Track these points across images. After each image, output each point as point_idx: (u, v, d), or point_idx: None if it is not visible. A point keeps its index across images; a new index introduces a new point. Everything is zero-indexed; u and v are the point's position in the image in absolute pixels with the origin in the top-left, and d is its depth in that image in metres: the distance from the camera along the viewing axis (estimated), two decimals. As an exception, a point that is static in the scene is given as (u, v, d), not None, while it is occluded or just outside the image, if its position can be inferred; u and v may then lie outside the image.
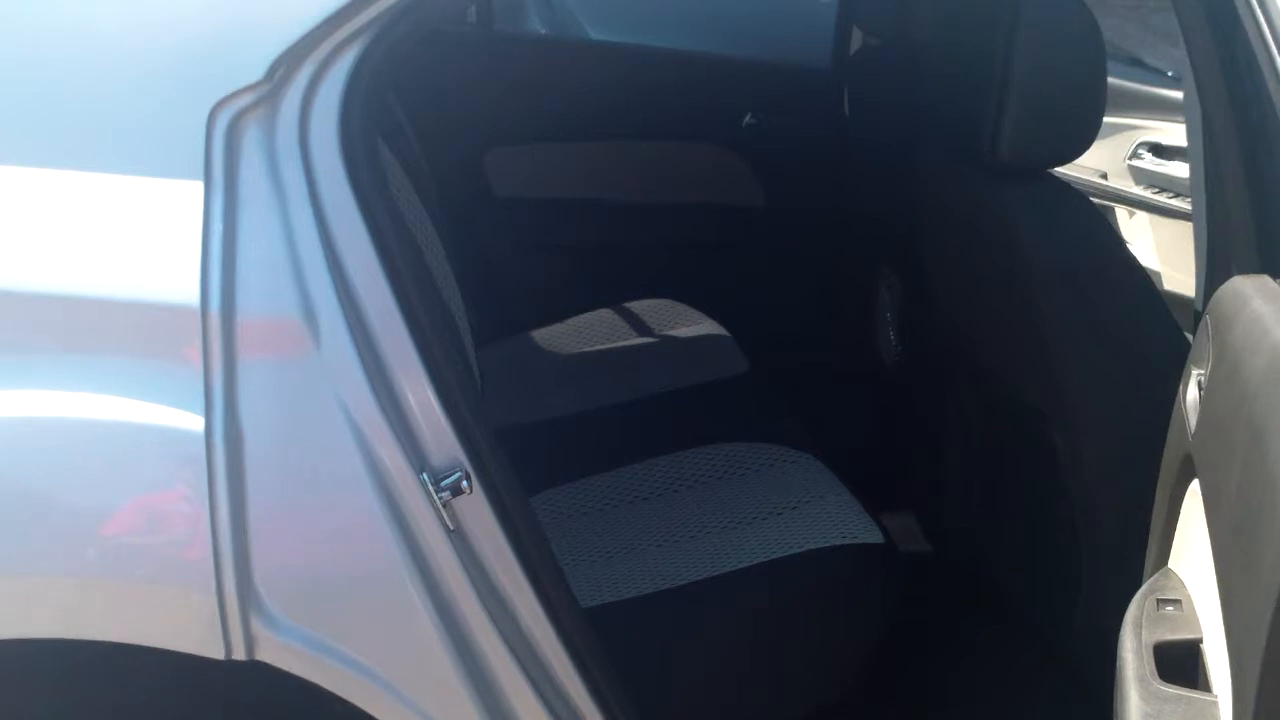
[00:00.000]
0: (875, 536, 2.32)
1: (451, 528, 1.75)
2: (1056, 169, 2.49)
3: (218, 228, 1.66)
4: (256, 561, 1.68)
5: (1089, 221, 2.24)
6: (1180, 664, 1.51)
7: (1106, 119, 2.25)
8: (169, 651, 1.70)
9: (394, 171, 2.32)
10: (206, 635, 1.68)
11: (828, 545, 2.28)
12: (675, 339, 3.22)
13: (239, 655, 1.69)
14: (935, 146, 2.54)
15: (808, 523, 2.36)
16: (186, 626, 1.69)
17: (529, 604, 1.83)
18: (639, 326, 3.28)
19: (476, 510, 1.78)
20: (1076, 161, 2.31)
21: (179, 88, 1.67)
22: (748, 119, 3.45)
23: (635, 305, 3.34)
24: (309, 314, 1.67)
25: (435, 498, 1.73)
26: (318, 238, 1.69)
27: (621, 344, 3.23)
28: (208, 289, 1.64)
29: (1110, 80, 2.23)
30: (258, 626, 1.69)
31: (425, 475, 1.72)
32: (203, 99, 1.66)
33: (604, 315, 3.32)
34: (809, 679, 2.30)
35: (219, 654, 1.69)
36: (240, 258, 1.66)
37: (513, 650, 1.81)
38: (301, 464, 1.70)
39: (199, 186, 1.66)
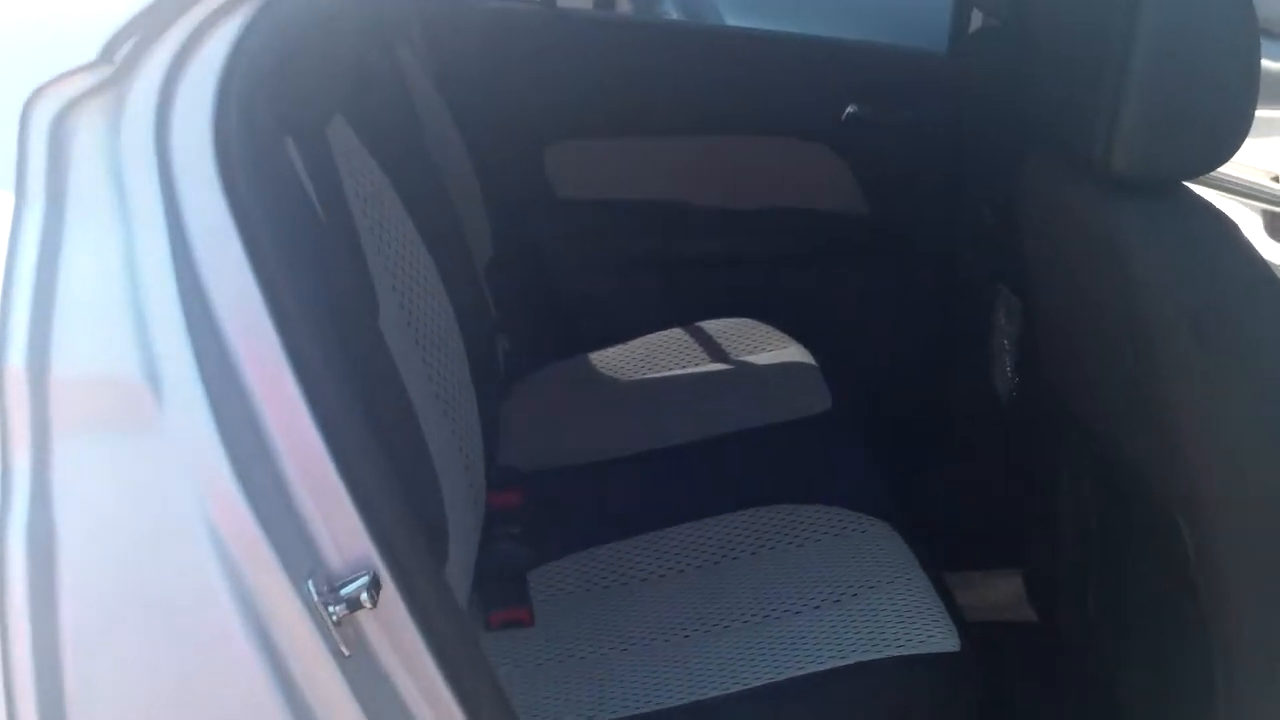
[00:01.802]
0: (950, 642, 1.85)
1: (347, 654, 1.32)
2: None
3: (29, 256, 1.25)
4: (72, 702, 1.28)
5: (1229, 251, 1.72)
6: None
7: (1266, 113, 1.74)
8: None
9: (356, 166, 1.90)
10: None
11: (888, 656, 1.81)
12: (753, 366, 2.77)
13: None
14: (1046, 149, 2.04)
15: (869, 619, 1.90)
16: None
17: None
18: (713, 350, 2.84)
19: (387, 624, 1.35)
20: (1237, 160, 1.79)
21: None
22: (849, 110, 2.96)
23: (711, 325, 2.91)
24: (153, 371, 1.26)
25: (324, 615, 1.30)
26: (173, 271, 1.27)
27: (691, 370, 2.80)
28: (8, 337, 1.24)
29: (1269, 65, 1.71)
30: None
31: (311, 585, 1.29)
32: (16, 85, 1.25)
33: (675, 336, 2.90)
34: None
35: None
36: (60, 294, 1.26)
37: None
38: (137, 573, 1.29)
39: (8, 200, 1.25)
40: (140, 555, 1.28)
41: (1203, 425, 1.69)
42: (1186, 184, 1.81)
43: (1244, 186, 3.13)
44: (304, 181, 1.63)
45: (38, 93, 1.26)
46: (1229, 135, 1.67)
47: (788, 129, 3.03)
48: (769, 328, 2.87)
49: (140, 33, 1.26)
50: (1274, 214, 3.27)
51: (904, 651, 1.83)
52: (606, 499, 2.38)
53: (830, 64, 3.08)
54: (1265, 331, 1.68)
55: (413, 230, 2.06)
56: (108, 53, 1.25)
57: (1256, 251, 1.72)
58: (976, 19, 2.88)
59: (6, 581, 1.24)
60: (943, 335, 2.97)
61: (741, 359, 2.81)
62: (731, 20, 5.47)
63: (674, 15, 6.07)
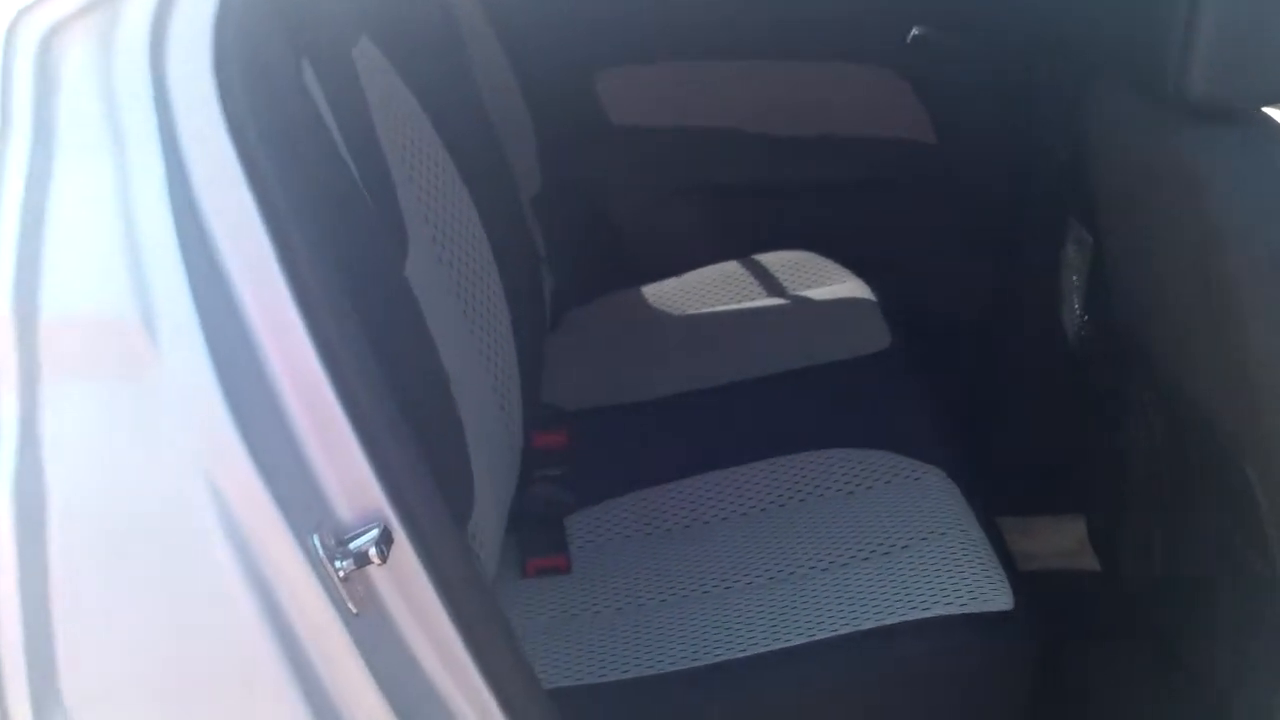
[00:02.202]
0: (1004, 600, 1.76)
1: (355, 611, 1.24)
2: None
3: (15, 190, 1.19)
4: (62, 662, 1.21)
5: None
6: None
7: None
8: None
9: (385, 91, 1.81)
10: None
11: (936, 615, 1.71)
12: (809, 301, 2.67)
13: (35, 783, 1.22)
14: (1118, 75, 1.91)
15: (919, 572, 1.81)
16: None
17: (478, 705, 1.32)
18: (770, 284, 2.74)
19: (399, 582, 1.28)
20: None
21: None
22: (914, 31, 2.82)
23: (768, 258, 2.81)
24: (149, 313, 1.18)
25: (331, 570, 1.22)
26: (168, 204, 1.20)
27: (747, 305, 2.70)
28: None
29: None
30: (66, 744, 1.22)
31: (317, 538, 1.22)
32: (-4, 4, 1.17)
33: (731, 269, 2.80)
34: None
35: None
36: (49, 231, 1.19)
37: None
38: (131, 525, 1.21)
39: (-10, 129, 1.18)
40: (135, 508, 1.21)
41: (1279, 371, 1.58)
42: (1269, 111, 1.68)
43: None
44: (322, 109, 1.54)
45: (22, 13, 1.18)
46: None
47: (850, 52, 2.90)
48: (827, 260, 2.76)
49: (133, -51, 1.18)
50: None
51: (953, 610, 1.74)
52: (652, 441, 2.29)
53: None
54: None
55: (449, 162, 1.97)
56: (98, -31, 1.17)
57: None
58: (1049, -64, 2.72)
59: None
60: (1010, 270, 2.84)
61: (798, 293, 2.71)
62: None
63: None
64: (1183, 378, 1.88)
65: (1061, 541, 2.72)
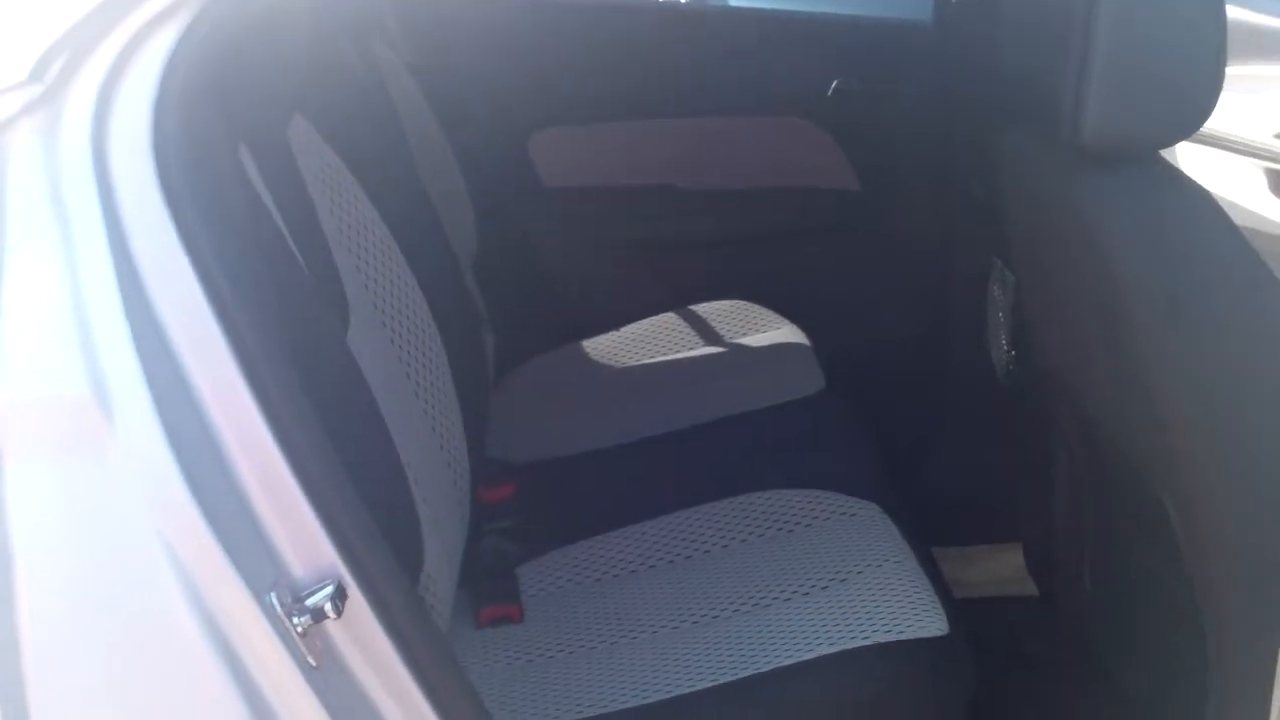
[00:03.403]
0: (938, 626, 1.83)
1: (315, 664, 1.30)
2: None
3: (-32, 279, 1.23)
4: (35, 721, 1.26)
5: (1205, 226, 1.67)
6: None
7: (1252, 71, 1.69)
8: None
9: (320, 167, 1.87)
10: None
11: (870, 643, 1.78)
12: (745, 348, 2.74)
13: None
14: (1023, 120, 2.00)
15: (856, 605, 1.88)
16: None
17: None
18: (707, 334, 2.81)
19: (355, 632, 1.34)
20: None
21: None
22: (835, 84, 2.91)
23: (704, 308, 2.88)
24: (101, 391, 1.24)
25: (289, 626, 1.28)
26: (116, 285, 1.26)
27: (685, 355, 2.77)
28: None
29: (1251, 19, 1.67)
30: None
31: (274, 596, 1.28)
32: (-57, 107, 1.23)
33: (668, 320, 2.87)
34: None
35: None
36: (2, 317, 1.24)
37: None
38: (93, 599, 1.27)
39: (-56, 224, 1.23)
40: (97, 576, 1.26)
41: (1183, 406, 1.65)
42: (1163, 155, 1.76)
43: (1246, 145, 3.07)
44: (260, 189, 1.61)
45: (-32, 115, 1.24)
46: (1197, 103, 1.62)
47: (774, 106, 2.98)
48: (762, 308, 2.84)
49: (70, 49, 1.25)
50: (1277, 172, 3.21)
51: (890, 637, 1.80)
52: (597, 490, 2.36)
53: (814, 38, 3.03)
54: (1242, 309, 1.64)
55: (386, 231, 2.04)
56: (38, 72, 1.23)
57: (1232, 224, 1.67)
58: (959, -13, 2.82)
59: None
60: (938, 309, 2.93)
61: (734, 341, 2.78)
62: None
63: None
64: (1097, 411, 1.96)
65: (1000, 569, 2.80)
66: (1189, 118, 1.62)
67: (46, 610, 1.26)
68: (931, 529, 2.19)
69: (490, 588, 2.08)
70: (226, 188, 1.47)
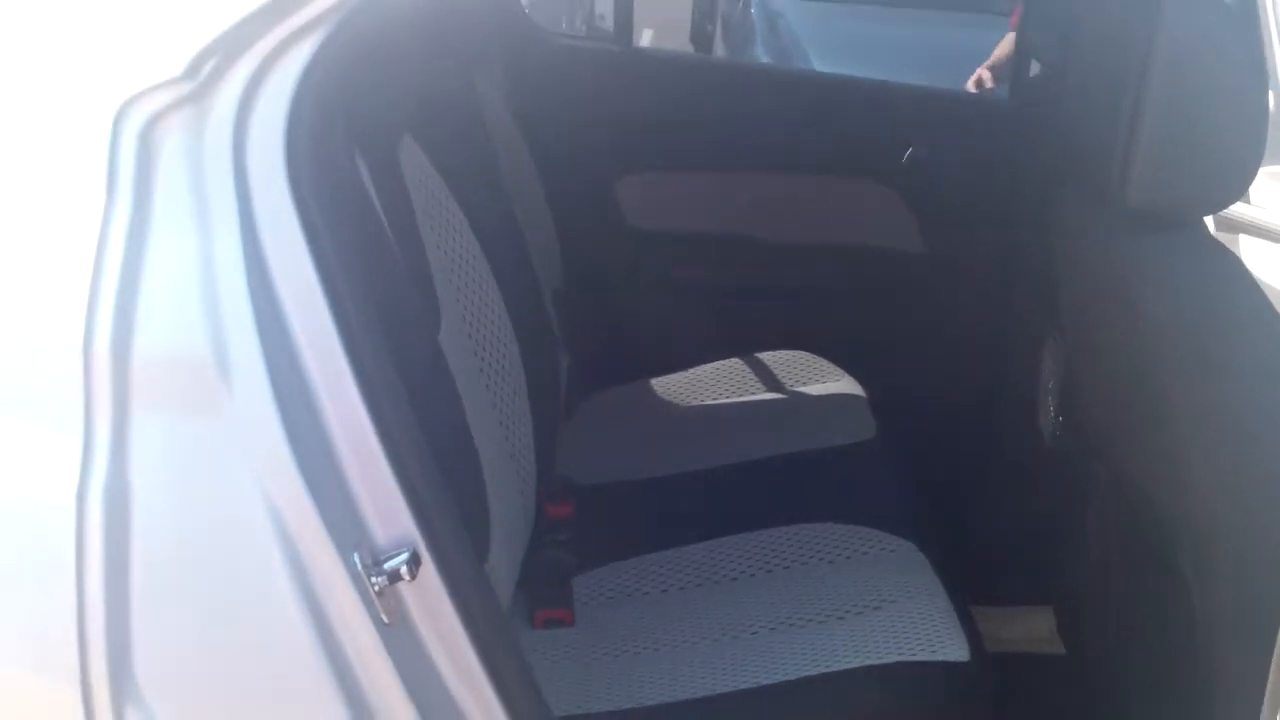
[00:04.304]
0: (960, 652, 1.94)
1: (387, 621, 1.44)
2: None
3: (116, 249, 1.40)
4: (138, 650, 1.41)
5: (1238, 291, 1.80)
6: None
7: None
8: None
9: (425, 184, 2.04)
10: (69, 730, 1.41)
11: (895, 660, 1.91)
12: (804, 396, 2.88)
13: (111, 756, 1.42)
14: (1077, 187, 2.14)
15: (885, 628, 2.00)
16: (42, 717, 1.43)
17: (489, 715, 1.52)
18: (768, 380, 2.95)
19: (425, 599, 1.48)
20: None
21: (79, 82, 1.42)
22: (910, 151, 3.06)
23: (768, 356, 3.01)
24: (222, 355, 1.40)
25: (367, 584, 1.42)
26: (244, 267, 1.41)
27: (746, 399, 2.91)
28: (95, 322, 1.38)
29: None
30: (136, 722, 1.42)
31: (357, 556, 1.42)
32: (108, 97, 1.40)
33: (733, 365, 3.00)
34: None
35: (85, 753, 1.42)
36: (144, 285, 1.41)
37: None
38: (199, 535, 1.43)
39: (99, 200, 1.40)
40: (204, 521, 1.41)
41: (1207, 460, 1.77)
42: (1204, 224, 1.89)
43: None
44: (371, 194, 1.77)
45: (127, 104, 1.40)
46: (1239, 171, 1.75)
47: (850, 168, 3.14)
48: (822, 360, 2.96)
49: (222, 52, 1.40)
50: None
51: (912, 657, 1.92)
52: (654, 512, 2.49)
53: (894, 107, 3.19)
54: (1270, 372, 1.75)
55: (478, 250, 2.19)
56: (192, 70, 1.39)
57: (1264, 294, 1.80)
58: (1035, 66, 2.97)
59: (85, 540, 1.37)
60: (992, 372, 3.05)
61: (794, 389, 2.91)
62: (820, 67, 5.63)
63: (764, 59, 6.24)
64: (1129, 467, 2.07)
65: (1033, 629, 2.89)
66: (1232, 185, 1.76)
67: (156, 545, 1.41)
68: (971, 584, 2.30)
69: (546, 592, 2.22)
70: (344, 189, 1.63)
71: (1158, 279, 1.82)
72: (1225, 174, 1.76)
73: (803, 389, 2.91)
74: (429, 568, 1.47)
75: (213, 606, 1.43)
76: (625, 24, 3.14)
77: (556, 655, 2.09)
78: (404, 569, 1.44)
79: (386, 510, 1.45)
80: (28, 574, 1.41)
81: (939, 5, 6.34)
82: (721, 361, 3.02)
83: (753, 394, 2.92)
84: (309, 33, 1.44)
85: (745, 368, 3.00)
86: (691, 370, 3.02)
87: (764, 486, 2.53)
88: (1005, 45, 4.21)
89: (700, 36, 4.29)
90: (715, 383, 2.97)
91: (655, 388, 2.99)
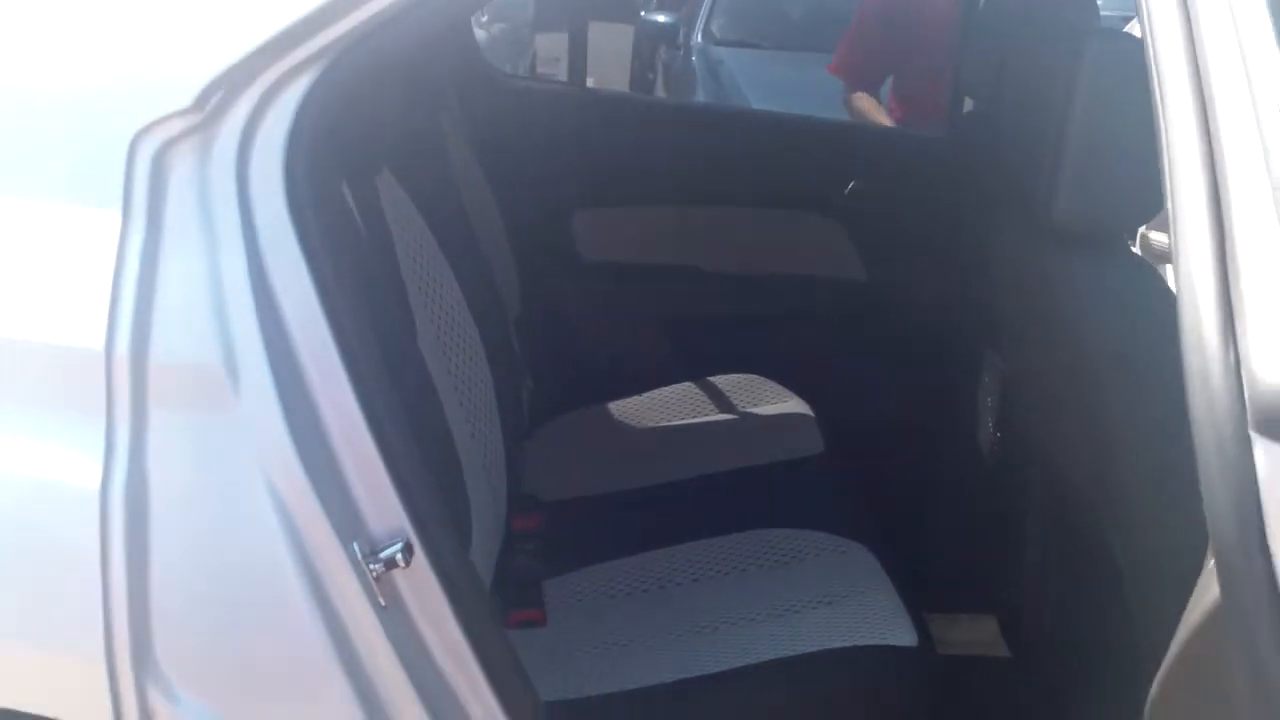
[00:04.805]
0: (908, 638, 2.09)
1: (384, 604, 1.58)
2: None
3: (132, 265, 1.53)
4: (158, 630, 1.54)
5: (1152, 297, 1.97)
6: None
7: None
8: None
9: (400, 214, 2.18)
10: (92, 705, 1.53)
11: (849, 645, 2.06)
12: (755, 416, 3.03)
13: (131, 728, 1.54)
14: (1011, 213, 2.32)
15: (838, 620, 2.15)
16: (71, 694, 1.56)
17: (478, 692, 1.65)
18: (721, 402, 3.09)
19: (417, 584, 1.61)
20: None
21: (97, 113, 1.55)
22: (852, 185, 3.23)
23: (720, 380, 3.16)
24: (230, 360, 1.53)
25: (365, 571, 1.56)
26: (248, 280, 1.55)
27: (700, 419, 3.05)
28: (115, 329, 1.51)
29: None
30: (156, 700, 1.55)
31: (356, 545, 1.56)
32: (123, 126, 1.53)
33: (686, 389, 3.15)
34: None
35: (108, 726, 1.54)
36: (159, 297, 1.54)
37: None
38: (212, 527, 1.55)
39: (116, 219, 1.53)
40: (216, 512, 1.54)
41: (1133, 457, 1.93)
42: (1127, 245, 2.06)
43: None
44: (355, 216, 1.92)
45: (141, 133, 1.54)
46: (1152, 193, 1.92)
47: (795, 202, 3.30)
48: (771, 383, 3.11)
49: (226, 87, 1.54)
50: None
51: (864, 643, 2.07)
52: (616, 523, 2.63)
53: (837, 144, 3.36)
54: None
55: (449, 272, 2.34)
56: (200, 102, 1.53)
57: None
58: (969, 103, 3.15)
59: (109, 530, 1.50)
60: (932, 392, 3.21)
61: (745, 410, 3.06)
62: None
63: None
64: (1064, 466, 2.23)
65: (979, 634, 3.04)
66: (1147, 205, 1.92)
67: (172, 533, 1.53)
68: (918, 592, 2.44)
69: (518, 595, 2.35)
70: (334, 211, 1.78)
71: (1087, 292, 1.99)
72: (1140, 195, 1.93)
73: (754, 410, 3.05)
74: (420, 556, 1.60)
75: (226, 591, 1.56)
76: (580, 66, 3.29)
77: (532, 652, 2.21)
78: (399, 557, 1.57)
79: (381, 504, 1.59)
80: (56, 562, 1.53)
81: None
82: (674, 385, 3.16)
83: (706, 415, 3.07)
84: (303, 71, 1.58)
85: (697, 390, 3.14)
86: (645, 394, 3.16)
87: (719, 496, 2.68)
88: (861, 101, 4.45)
89: (641, 85, 4.48)
90: (669, 405, 3.11)
91: (611, 411, 3.13)
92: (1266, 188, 1.23)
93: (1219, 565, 1.24)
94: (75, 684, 1.56)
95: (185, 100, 1.53)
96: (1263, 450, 1.18)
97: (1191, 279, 1.26)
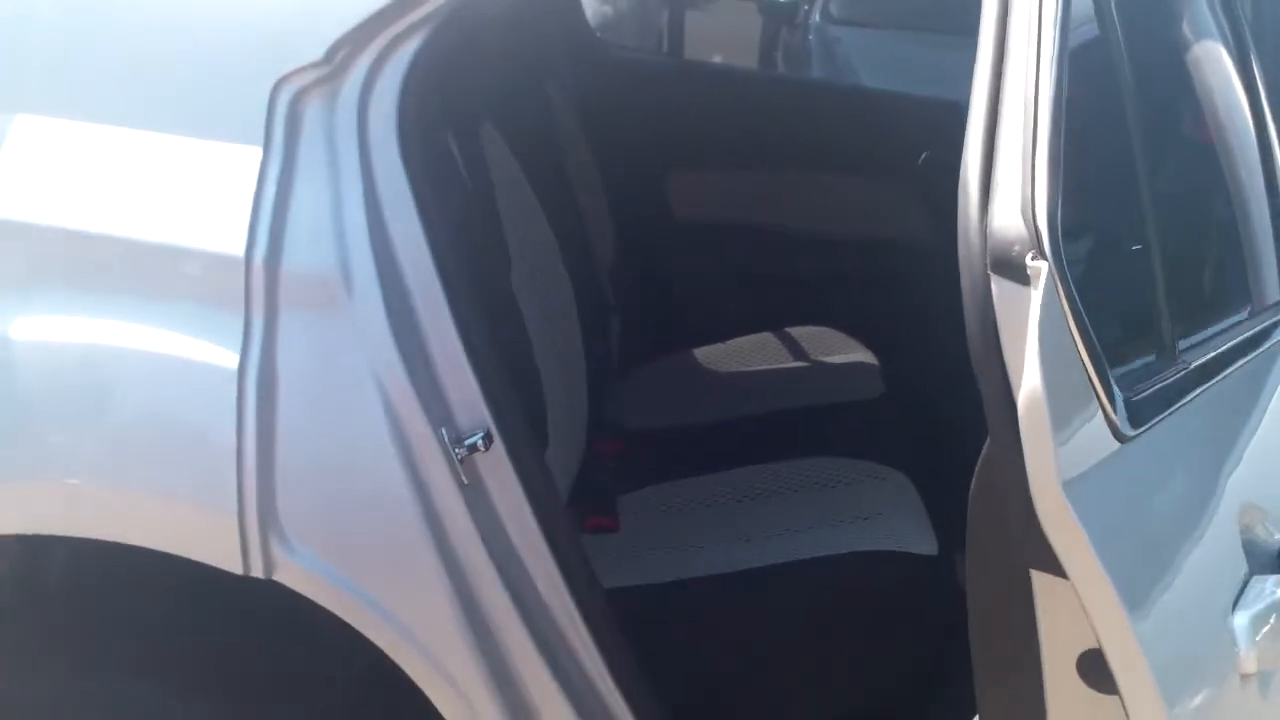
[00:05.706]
0: (929, 548, 2.36)
1: (466, 482, 1.88)
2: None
3: (271, 189, 1.84)
4: (280, 491, 1.84)
5: None
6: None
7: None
8: (191, 563, 1.88)
9: (499, 161, 2.47)
10: (226, 551, 1.85)
11: (873, 550, 2.33)
12: (824, 364, 3.29)
13: (257, 573, 1.86)
14: None
15: (869, 531, 2.42)
16: (208, 540, 1.87)
17: (544, 567, 1.95)
18: (795, 351, 3.36)
19: (495, 469, 1.91)
20: None
21: (246, 63, 1.87)
22: (924, 155, 3.48)
23: (796, 331, 3.43)
24: (346, 272, 1.83)
25: (451, 453, 1.86)
26: (363, 206, 1.85)
27: (774, 366, 3.32)
28: (255, 242, 1.82)
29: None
30: (276, 550, 1.85)
31: (444, 430, 1.86)
32: (267, 75, 1.85)
33: (764, 339, 3.42)
34: (840, 680, 2.35)
35: (237, 569, 1.86)
36: (290, 217, 1.84)
37: (519, 606, 1.94)
38: (327, 407, 1.86)
39: (258, 152, 1.85)
40: (330, 396, 1.85)
41: None
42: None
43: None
44: (458, 161, 2.23)
45: (280, 82, 1.85)
46: None
47: (872, 170, 3.57)
48: (842, 334, 3.38)
49: (351, 44, 1.85)
50: None
51: (889, 549, 2.35)
52: (689, 450, 2.92)
53: (912, 116, 3.61)
54: None
55: (543, 218, 2.64)
56: (329, 56, 1.84)
57: None
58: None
59: (244, 406, 1.82)
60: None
61: (817, 359, 3.33)
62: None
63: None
64: None
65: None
66: None
67: (295, 415, 1.85)
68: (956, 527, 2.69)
69: (595, 504, 2.66)
70: (438, 153, 2.08)
71: None
72: None
73: (824, 358, 3.32)
74: (498, 444, 1.90)
75: (337, 462, 1.87)
76: (678, 40, 3.58)
77: (605, 553, 2.52)
78: (480, 443, 1.87)
79: (466, 399, 1.88)
80: (199, 429, 1.86)
81: (974, 31, 6.69)
82: (755, 335, 3.45)
83: (780, 362, 3.34)
84: (415, 32, 1.88)
85: (775, 340, 3.42)
86: (729, 342, 3.44)
87: (783, 428, 2.96)
88: None
89: (769, 63, 4.73)
90: (749, 353, 3.39)
91: (698, 356, 3.42)
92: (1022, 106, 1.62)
93: (977, 377, 1.64)
94: (206, 532, 1.87)
95: (318, 54, 1.83)
96: (995, 285, 1.58)
97: (967, 171, 1.70)
